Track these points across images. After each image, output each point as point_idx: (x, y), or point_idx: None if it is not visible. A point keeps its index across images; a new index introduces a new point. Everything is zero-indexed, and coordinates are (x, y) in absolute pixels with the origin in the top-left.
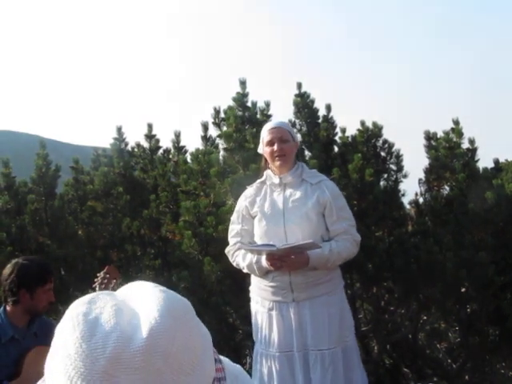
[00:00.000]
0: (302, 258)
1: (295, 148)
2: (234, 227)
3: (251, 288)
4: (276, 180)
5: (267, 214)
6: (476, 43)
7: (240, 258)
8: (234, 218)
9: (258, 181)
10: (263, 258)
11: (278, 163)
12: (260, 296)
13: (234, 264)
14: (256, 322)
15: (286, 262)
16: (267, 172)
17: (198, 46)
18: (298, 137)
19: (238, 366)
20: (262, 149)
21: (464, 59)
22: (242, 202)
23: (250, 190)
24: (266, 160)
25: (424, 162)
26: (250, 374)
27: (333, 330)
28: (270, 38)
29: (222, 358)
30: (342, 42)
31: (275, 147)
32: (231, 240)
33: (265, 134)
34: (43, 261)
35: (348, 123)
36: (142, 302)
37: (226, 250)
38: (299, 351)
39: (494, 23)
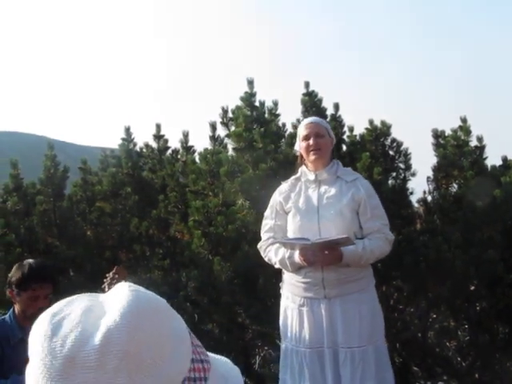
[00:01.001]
0: (335, 253)
1: (331, 144)
2: (267, 222)
3: (282, 284)
4: (311, 176)
5: (301, 210)
6: (481, 41)
7: (272, 253)
8: (267, 213)
9: (293, 177)
10: (296, 253)
11: (313, 157)
12: (291, 292)
13: (266, 259)
14: (285, 318)
15: (319, 257)
16: (302, 168)
17: (205, 46)
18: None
19: (236, 368)
20: (299, 145)
21: (471, 57)
22: (277, 198)
23: (284, 186)
24: (301, 157)
25: (432, 160)
26: (260, 374)
27: (363, 328)
28: (271, 37)
29: (218, 358)
30: (348, 42)
31: (311, 141)
32: (264, 235)
33: (301, 129)
34: (37, 269)
35: (356, 122)
36: (110, 304)
37: (259, 245)
38: (329, 348)
39: (497, 20)
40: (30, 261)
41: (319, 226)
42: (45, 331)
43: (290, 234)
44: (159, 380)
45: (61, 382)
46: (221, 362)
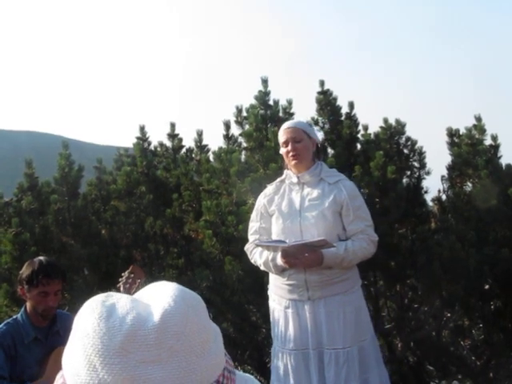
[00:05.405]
0: (315, 256)
1: (312, 146)
2: (252, 225)
3: (269, 286)
4: (294, 179)
5: (284, 213)
6: (490, 41)
7: (257, 256)
8: (253, 215)
9: (278, 179)
10: (279, 256)
11: (292, 163)
12: (277, 294)
13: (252, 261)
14: (273, 320)
15: (299, 259)
16: (287, 171)
17: (220, 44)
18: (320, 134)
19: (248, 375)
20: (281, 149)
21: (485, 55)
22: (261, 200)
23: (269, 189)
24: None
25: (447, 158)
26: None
27: (348, 330)
28: (287, 35)
29: (242, 374)
30: (363, 40)
31: (289, 147)
32: (250, 237)
33: (280, 135)
34: (46, 265)
35: (370, 120)
36: (156, 294)
37: (245, 248)
38: (314, 349)
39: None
40: (41, 258)
41: (301, 229)
42: (99, 313)
43: (274, 237)
44: (207, 364)
45: (119, 359)
46: (241, 377)
